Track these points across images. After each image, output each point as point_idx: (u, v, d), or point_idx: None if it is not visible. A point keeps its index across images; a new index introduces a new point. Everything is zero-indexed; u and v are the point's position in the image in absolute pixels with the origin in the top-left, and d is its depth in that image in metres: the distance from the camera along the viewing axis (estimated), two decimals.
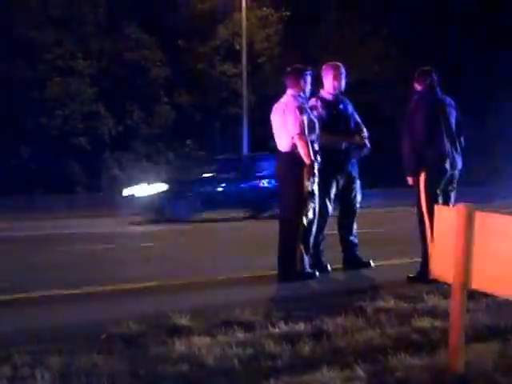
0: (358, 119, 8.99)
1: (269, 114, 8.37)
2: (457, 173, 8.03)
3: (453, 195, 8.07)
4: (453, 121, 7.97)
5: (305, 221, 7.94)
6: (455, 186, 8.08)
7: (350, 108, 8.95)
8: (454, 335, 4.26)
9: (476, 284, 4.16)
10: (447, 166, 7.81)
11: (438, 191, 7.84)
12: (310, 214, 7.97)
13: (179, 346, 4.87)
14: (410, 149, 7.73)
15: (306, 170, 7.84)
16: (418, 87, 8.06)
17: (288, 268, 7.99)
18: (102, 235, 15.34)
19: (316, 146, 8.03)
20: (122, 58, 29.79)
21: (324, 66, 8.90)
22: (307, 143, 7.84)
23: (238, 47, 31.00)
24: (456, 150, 7.95)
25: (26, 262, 10.39)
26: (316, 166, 7.94)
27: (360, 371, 4.22)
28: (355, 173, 8.90)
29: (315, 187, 7.98)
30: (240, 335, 5.15)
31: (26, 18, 27.32)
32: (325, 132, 8.36)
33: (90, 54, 29.32)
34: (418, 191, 7.82)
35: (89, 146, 28.39)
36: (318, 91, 8.85)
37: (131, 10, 29.81)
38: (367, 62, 32.57)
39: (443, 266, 4.36)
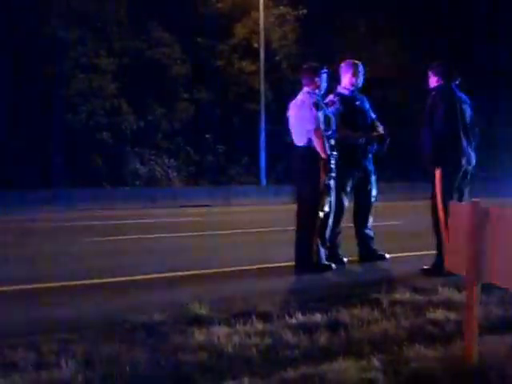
0: (374, 116, 8.97)
1: (285, 110, 8.38)
2: (470, 168, 7.98)
3: (467, 190, 8.03)
4: (468, 117, 7.91)
5: (321, 214, 7.93)
6: (469, 181, 8.04)
7: (367, 105, 8.94)
8: (467, 327, 4.23)
9: (489, 277, 4.13)
10: (463, 161, 7.77)
11: (453, 186, 7.80)
12: (326, 208, 7.96)
13: (199, 335, 4.87)
14: (429, 142, 7.68)
15: (321, 165, 7.84)
16: (433, 82, 7.99)
17: (305, 260, 7.98)
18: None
19: (332, 141, 8.02)
20: (144, 55, 29.85)
21: (343, 63, 8.89)
22: (323, 138, 7.85)
23: (255, 45, 31.05)
24: (471, 146, 7.90)
25: (50, 253, 10.42)
26: (332, 161, 7.94)
27: (376, 361, 4.21)
28: (371, 167, 8.88)
29: (331, 181, 7.98)
30: (258, 325, 5.13)
31: (52, 17, 27.41)
32: (343, 127, 8.36)
33: (113, 51, 29.41)
34: (433, 186, 7.78)
35: (111, 141, 28.48)
36: (335, 87, 8.85)
37: (153, 9, 29.86)
38: (382, 59, 32.48)
39: (458, 259, 4.33)
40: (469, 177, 8.00)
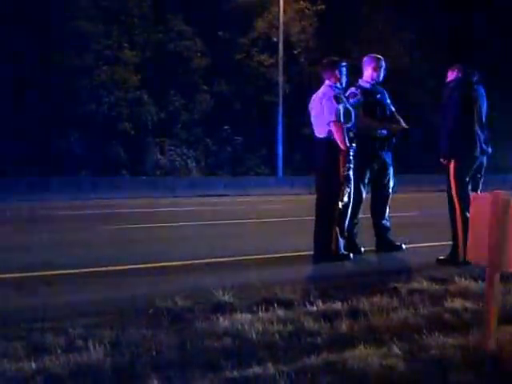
0: (393, 109, 8.96)
1: (303, 102, 8.42)
2: (485, 160, 7.95)
3: (481, 181, 8.00)
4: (483, 109, 7.89)
5: (340, 204, 7.93)
6: (483, 172, 8.00)
7: (387, 98, 8.93)
8: (486, 316, 4.21)
9: (509, 267, 4.12)
10: (477, 153, 7.74)
11: (468, 177, 7.78)
12: (345, 198, 7.96)
13: (223, 321, 4.88)
14: (445, 134, 7.68)
15: (341, 156, 7.83)
16: (451, 75, 7.97)
17: (323, 249, 7.98)
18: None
19: (351, 134, 8.01)
20: (165, 48, 29.88)
21: (366, 57, 8.90)
22: (342, 130, 7.85)
23: (274, 39, 31.01)
24: (485, 137, 7.87)
25: (74, 239, 10.48)
26: (351, 153, 7.93)
27: (396, 349, 4.21)
28: (389, 160, 8.87)
29: (350, 172, 7.97)
30: (280, 312, 5.14)
31: (77, 10, 27.48)
32: (365, 117, 8.37)
33: (136, 44, 29.45)
34: (448, 177, 7.76)
35: (133, 131, 28.54)
36: (356, 81, 8.84)
37: (175, 3, 29.89)
38: (399, 52, 32.38)
39: (479, 249, 4.31)
40: (483, 168, 7.96)
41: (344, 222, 8.10)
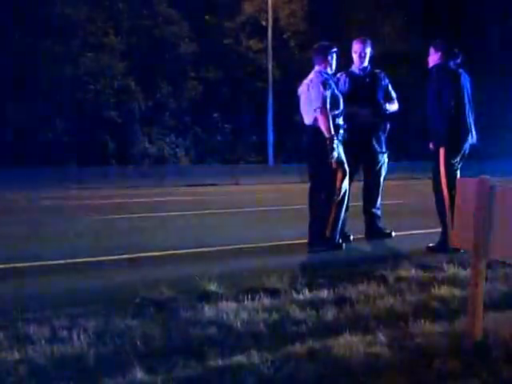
0: (393, 94, 8.97)
1: (293, 88, 8.40)
2: (468, 147, 7.97)
3: (459, 167, 8.01)
4: (470, 95, 7.92)
5: (338, 192, 7.91)
6: (463, 159, 8.02)
7: (382, 82, 8.91)
8: (472, 303, 4.26)
9: (495, 253, 4.17)
10: (469, 137, 7.79)
11: (456, 164, 7.83)
12: (344, 185, 7.94)
13: (208, 310, 4.93)
14: (435, 119, 7.71)
15: (328, 143, 7.80)
16: (434, 60, 7.97)
17: (319, 239, 8.00)
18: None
19: (339, 121, 8.01)
20: (152, 34, 29.79)
21: (354, 41, 8.88)
22: (328, 117, 7.84)
23: (263, 23, 30.97)
24: (473, 123, 7.91)
25: (61, 231, 10.50)
26: (336, 140, 7.88)
27: (381, 336, 4.26)
28: (379, 147, 8.87)
29: (343, 157, 7.93)
30: (266, 301, 5.19)
31: None
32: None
33: (121, 30, 29.35)
34: (437, 163, 7.79)
35: (120, 120, 28.48)
36: (350, 66, 8.88)
37: None
38: (392, 35, 32.38)
39: (464, 235, 4.36)
40: (466, 154, 8.00)
41: (340, 211, 8.08)
